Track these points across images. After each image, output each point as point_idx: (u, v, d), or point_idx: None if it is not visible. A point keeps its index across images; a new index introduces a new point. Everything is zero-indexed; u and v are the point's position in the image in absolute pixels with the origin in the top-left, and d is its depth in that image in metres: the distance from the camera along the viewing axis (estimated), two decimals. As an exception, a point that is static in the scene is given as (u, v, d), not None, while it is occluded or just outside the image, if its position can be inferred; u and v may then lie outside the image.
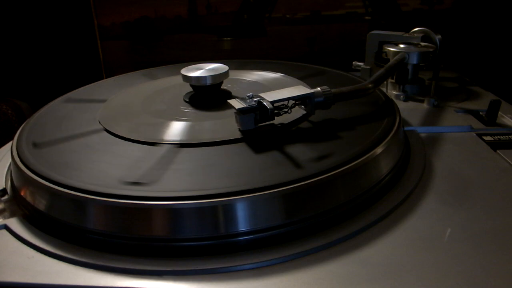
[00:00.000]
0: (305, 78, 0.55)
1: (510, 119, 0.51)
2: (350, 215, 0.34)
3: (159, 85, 0.56)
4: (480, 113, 0.53)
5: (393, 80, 0.60)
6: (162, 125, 0.43)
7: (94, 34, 0.85)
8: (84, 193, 0.32)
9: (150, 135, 0.41)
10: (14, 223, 0.35)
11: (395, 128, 0.42)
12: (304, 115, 0.44)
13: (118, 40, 0.86)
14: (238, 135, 0.40)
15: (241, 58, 0.80)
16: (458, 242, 0.32)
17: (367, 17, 0.84)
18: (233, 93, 0.51)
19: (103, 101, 0.52)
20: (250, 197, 0.31)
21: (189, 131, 0.42)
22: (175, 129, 0.42)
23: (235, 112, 0.40)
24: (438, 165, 0.42)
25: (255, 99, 0.41)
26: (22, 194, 0.38)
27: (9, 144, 0.47)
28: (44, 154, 0.40)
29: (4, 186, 0.42)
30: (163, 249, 0.32)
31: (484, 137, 0.47)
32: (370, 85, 0.46)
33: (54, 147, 0.41)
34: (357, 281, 0.28)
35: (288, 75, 0.58)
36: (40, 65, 0.87)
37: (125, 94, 0.54)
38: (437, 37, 0.58)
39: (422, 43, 0.59)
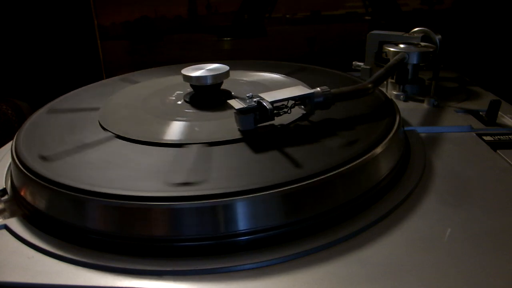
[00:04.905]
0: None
1: (510, 119, 0.51)
2: (350, 215, 0.34)
3: (159, 85, 0.56)
4: (480, 113, 0.53)
5: (393, 80, 0.60)
6: (162, 125, 0.43)
7: (94, 34, 0.85)
8: (84, 193, 0.32)
9: (150, 135, 0.41)
10: (14, 223, 0.35)
11: (395, 128, 0.42)
12: (303, 115, 0.44)
13: (118, 40, 0.86)
14: (238, 135, 0.40)
15: (241, 58, 0.81)
16: (458, 242, 0.32)
17: (367, 17, 0.84)
18: (233, 93, 0.51)
19: (105, 99, 0.52)
20: (250, 197, 0.31)
21: (189, 131, 0.42)
22: (175, 129, 0.42)
23: (234, 112, 0.40)
24: (438, 165, 0.42)
25: (254, 99, 0.41)
26: (22, 194, 0.38)
27: (9, 144, 0.47)
28: (44, 153, 0.40)
29: (4, 186, 0.42)
30: (163, 249, 0.32)
31: (484, 137, 0.47)
32: (369, 85, 0.46)
33: (53, 145, 0.41)
34: (357, 281, 0.28)
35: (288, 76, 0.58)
36: (40, 65, 0.87)
37: (125, 94, 0.54)
38: (437, 37, 0.58)
39: (422, 43, 0.59)
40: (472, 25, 0.82)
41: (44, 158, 0.38)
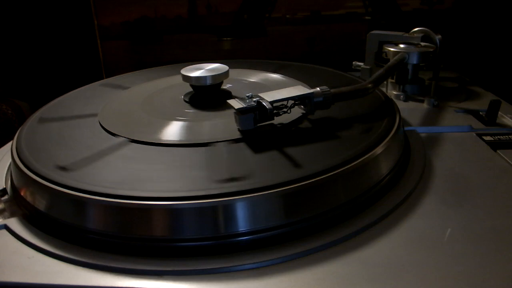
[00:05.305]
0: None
1: (510, 119, 0.51)
2: (350, 215, 0.34)
3: (159, 85, 0.56)
4: (480, 113, 0.53)
5: (393, 80, 0.60)
6: (162, 125, 0.43)
7: (94, 34, 0.85)
8: (84, 193, 0.32)
9: (150, 135, 0.41)
10: (14, 223, 0.35)
11: (395, 128, 0.42)
12: (303, 115, 0.44)
13: (118, 40, 0.86)
14: (237, 135, 0.40)
15: (241, 58, 0.81)
16: (458, 242, 0.32)
17: (367, 17, 0.84)
18: (233, 93, 0.51)
19: (104, 100, 0.52)
20: (250, 197, 0.31)
21: (189, 131, 0.42)
22: (175, 129, 0.42)
23: (234, 112, 0.40)
24: (438, 165, 0.42)
25: (254, 99, 0.41)
26: (22, 194, 0.38)
27: (9, 144, 0.47)
28: (44, 153, 0.40)
29: (4, 186, 0.42)
30: (163, 249, 0.32)
31: (484, 137, 0.47)
32: (369, 85, 0.46)
33: (53, 145, 0.41)
34: (357, 281, 0.28)
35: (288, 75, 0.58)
36: (40, 65, 0.87)
37: (124, 95, 0.54)
38: (437, 37, 0.57)
39: (422, 43, 0.59)
40: (472, 25, 0.82)
41: (44, 159, 0.38)
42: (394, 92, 0.59)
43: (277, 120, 0.42)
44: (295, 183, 0.32)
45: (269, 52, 0.87)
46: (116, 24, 0.85)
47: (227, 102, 0.41)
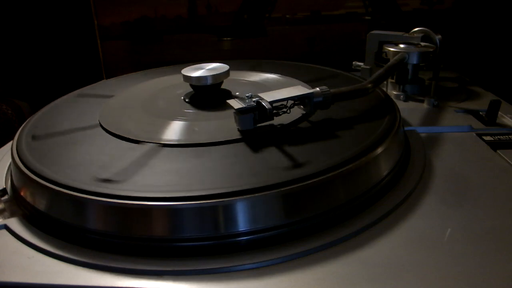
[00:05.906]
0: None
1: (510, 119, 0.51)
2: (350, 215, 0.34)
3: (159, 85, 0.56)
4: (480, 113, 0.53)
5: (393, 80, 0.60)
6: (162, 125, 0.43)
7: (94, 34, 0.85)
8: (84, 193, 0.32)
9: (150, 135, 0.41)
10: (14, 223, 0.35)
11: (395, 128, 0.42)
12: (303, 115, 0.44)
13: (118, 40, 0.86)
14: (237, 135, 0.40)
15: (241, 58, 0.81)
16: (458, 242, 0.32)
17: (367, 17, 0.84)
18: (233, 93, 0.51)
19: (106, 98, 0.52)
20: (250, 197, 0.31)
21: (189, 131, 0.42)
22: (175, 129, 0.42)
23: (234, 112, 0.40)
24: (438, 165, 0.42)
25: (254, 99, 0.41)
26: (22, 194, 0.38)
27: (9, 144, 0.47)
28: (44, 153, 0.40)
29: (4, 186, 0.42)
30: (163, 249, 0.32)
31: (484, 137, 0.47)
32: (369, 85, 0.46)
33: (53, 146, 0.41)
34: (357, 281, 0.28)
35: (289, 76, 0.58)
36: (40, 65, 0.87)
37: (124, 95, 0.54)
38: (437, 37, 0.57)
39: (422, 43, 0.59)
40: (472, 25, 0.82)
41: (44, 159, 0.38)
42: (394, 92, 0.59)
43: (277, 120, 0.42)
44: (295, 183, 0.32)
45: (269, 52, 0.87)
46: (116, 24, 0.85)
47: (227, 102, 0.41)
